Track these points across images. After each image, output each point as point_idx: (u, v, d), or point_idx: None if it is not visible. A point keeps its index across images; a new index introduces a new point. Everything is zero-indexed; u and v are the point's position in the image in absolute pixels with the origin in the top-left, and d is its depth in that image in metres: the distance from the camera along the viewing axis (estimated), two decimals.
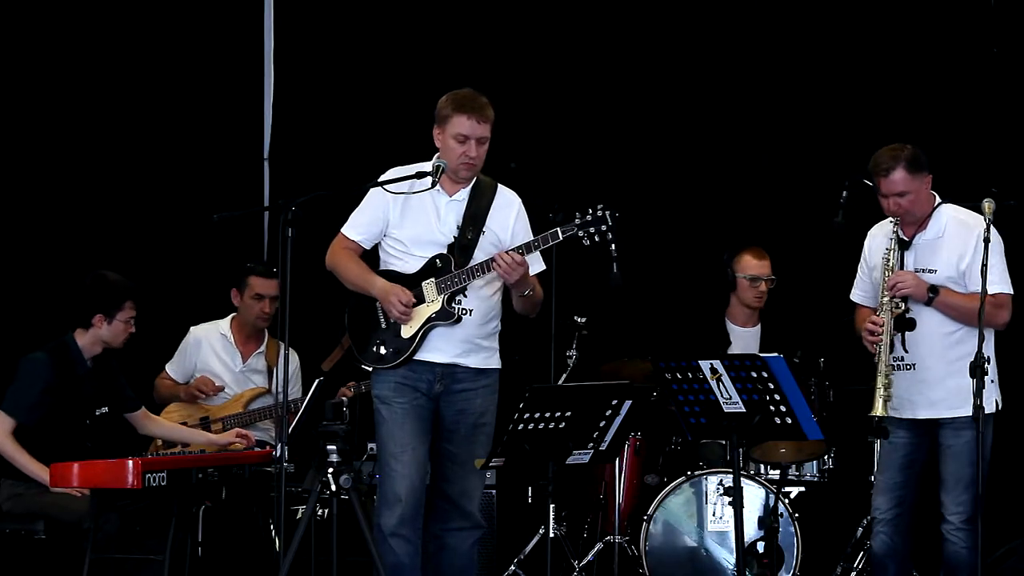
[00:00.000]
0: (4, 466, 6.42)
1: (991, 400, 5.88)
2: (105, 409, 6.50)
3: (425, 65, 8.17)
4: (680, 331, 7.55)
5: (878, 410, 5.80)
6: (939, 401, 5.90)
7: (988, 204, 5.88)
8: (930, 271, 5.94)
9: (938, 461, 5.97)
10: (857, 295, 6.21)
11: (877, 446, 6.27)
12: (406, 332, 5.80)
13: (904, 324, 5.91)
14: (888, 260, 5.93)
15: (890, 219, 6.01)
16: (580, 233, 5.73)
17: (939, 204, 6.02)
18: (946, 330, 5.92)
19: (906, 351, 5.92)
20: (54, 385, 6.33)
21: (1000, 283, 5.91)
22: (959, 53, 7.85)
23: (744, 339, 7.38)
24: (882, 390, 5.81)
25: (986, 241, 5.74)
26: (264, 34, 8.64)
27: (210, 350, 7.37)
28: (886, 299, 5.89)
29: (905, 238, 5.97)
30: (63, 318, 6.53)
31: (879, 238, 6.10)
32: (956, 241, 5.95)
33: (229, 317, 7.45)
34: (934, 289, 5.88)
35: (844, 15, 8.05)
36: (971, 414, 5.69)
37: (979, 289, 5.72)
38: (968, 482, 5.84)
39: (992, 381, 5.90)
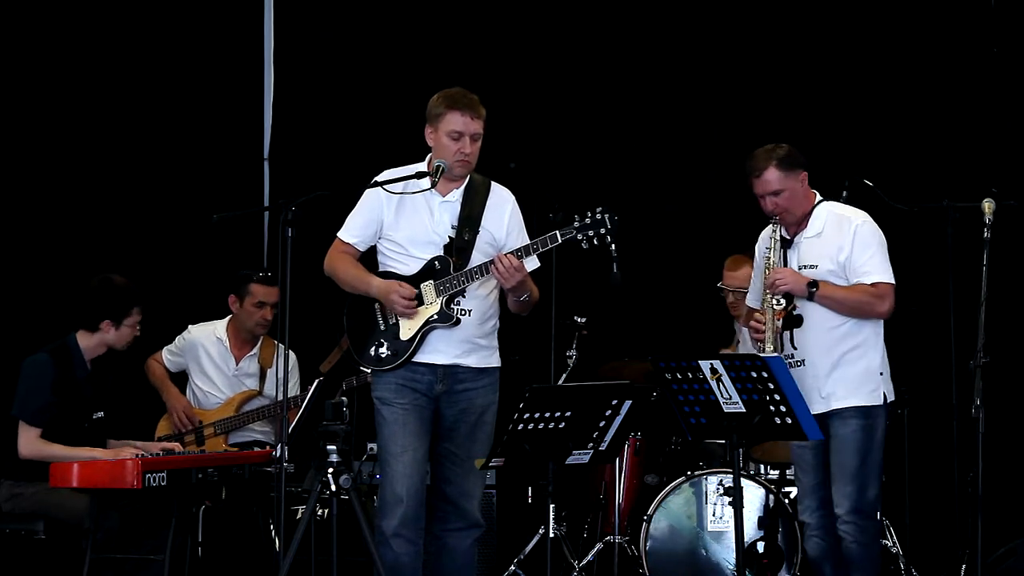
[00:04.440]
0: (4, 466, 6.42)
1: (879, 392, 5.89)
2: (101, 414, 6.49)
3: (424, 66, 8.18)
4: (689, 330, 7.55)
5: None
6: (829, 395, 5.88)
7: (988, 204, 5.89)
8: (811, 267, 5.95)
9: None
10: (751, 298, 6.20)
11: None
12: (405, 334, 5.80)
13: (792, 321, 5.93)
14: (769, 259, 5.95)
15: (772, 220, 6.03)
16: (579, 236, 5.72)
17: (819, 202, 6.03)
18: (832, 324, 5.93)
19: (795, 348, 5.92)
20: (58, 386, 6.33)
21: (881, 273, 5.92)
22: (959, 53, 7.85)
23: (748, 339, 7.38)
24: None
25: (986, 241, 5.78)
26: (264, 34, 8.64)
27: (204, 354, 7.40)
28: (768, 295, 5.91)
29: (787, 237, 5.99)
30: (67, 318, 6.53)
31: (764, 240, 6.11)
32: (835, 235, 5.96)
33: (226, 320, 7.46)
34: (814, 284, 5.89)
35: (845, 15, 8.05)
36: (862, 403, 5.83)
37: (860, 280, 5.84)
38: (853, 473, 5.85)
39: (881, 373, 5.92)
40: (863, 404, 5.87)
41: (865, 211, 6.16)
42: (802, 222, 5.99)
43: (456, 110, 5.79)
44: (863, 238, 5.92)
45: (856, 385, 5.86)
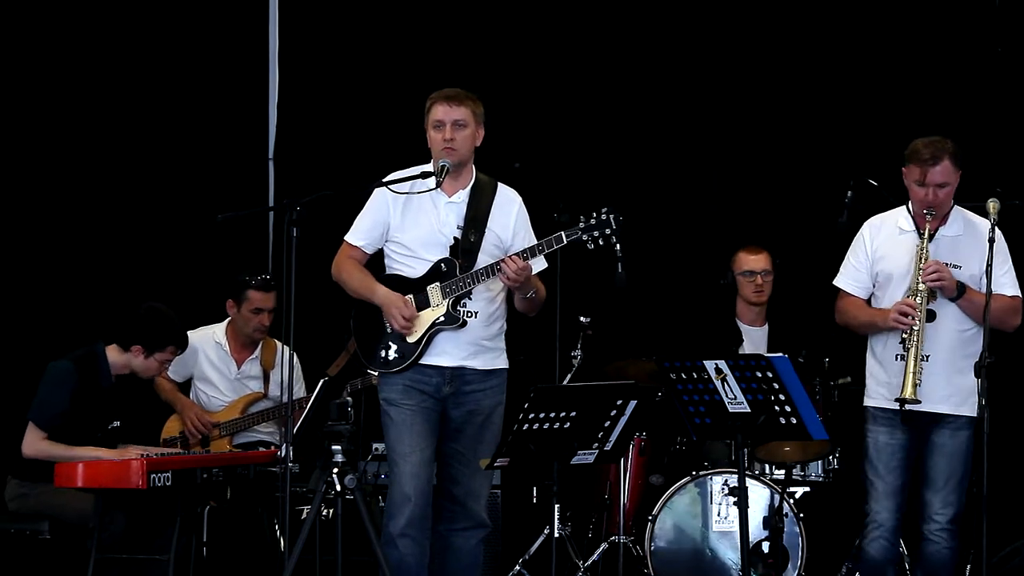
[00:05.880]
0: (8, 466, 6.42)
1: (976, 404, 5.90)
2: (117, 423, 6.48)
3: (428, 66, 8.17)
4: (692, 330, 7.55)
5: (908, 392, 5.76)
6: (945, 397, 5.90)
7: (993, 204, 5.89)
8: (954, 266, 5.93)
9: (925, 459, 5.96)
10: (848, 284, 6.12)
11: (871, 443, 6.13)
12: (412, 337, 5.80)
13: (924, 316, 5.88)
14: (921, 249, 5.88)
15: (906, 208, 6.01)
16: (584, 237, 5.73)
17: (953, 204, 6.04)
18: (961, 327, 5.93)
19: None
20: (78, 396, 6.31)
21: (1016, 287, 5.97)
22: (964, 53, 7.85)
23: (753, 338, 7.39)
24: (913, 375, 5.77)
25: (991, 241, 5.78)
26: (269, 34, 8.64)
27: (205, 358, 7.38)
28: (922, 286, 5.84)
29: (928, 232, 5.94)
30: (103, 329, 6.51)
31: (884, 228, 6.08)
32: (977, 240, 5.95)
33: (225, 323, 7.44)
34: (961, 286, 5.88)
35: (848, 15, 8.05)
36: (973, 414, 5.81)
37: (996, 290, 5.82)
38: (958, 481, 5.89)
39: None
40: (972, 415, 5.88)
41: (868, 211, 6.17)
42: (943, 219, 5.98)
43: (435, 102, 5.84)
44: (1003, 249, 5.96)
45: (968, 394, 5.88)
